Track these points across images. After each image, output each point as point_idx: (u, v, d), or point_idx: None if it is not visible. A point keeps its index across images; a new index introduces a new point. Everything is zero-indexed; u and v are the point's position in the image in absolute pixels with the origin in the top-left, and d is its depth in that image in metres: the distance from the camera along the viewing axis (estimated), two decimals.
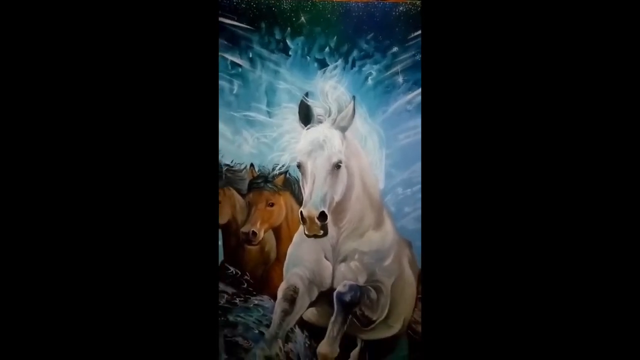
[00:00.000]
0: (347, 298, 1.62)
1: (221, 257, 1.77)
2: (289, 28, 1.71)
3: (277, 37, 1.71)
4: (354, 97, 1.64)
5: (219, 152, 1.72)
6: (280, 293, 1.66)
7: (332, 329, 1.62)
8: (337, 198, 1.59)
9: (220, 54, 1.68)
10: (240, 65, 1.71)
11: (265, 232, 1.75)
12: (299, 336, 1.72)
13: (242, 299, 1.75)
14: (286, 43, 1.72)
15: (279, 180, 1.76)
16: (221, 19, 1.68)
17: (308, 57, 1.72)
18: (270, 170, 1.75)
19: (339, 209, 1.62)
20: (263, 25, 1.70)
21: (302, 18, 1.71)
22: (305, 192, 1.56)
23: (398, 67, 1.70)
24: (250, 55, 1.71)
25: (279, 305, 1.64)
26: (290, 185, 1.77)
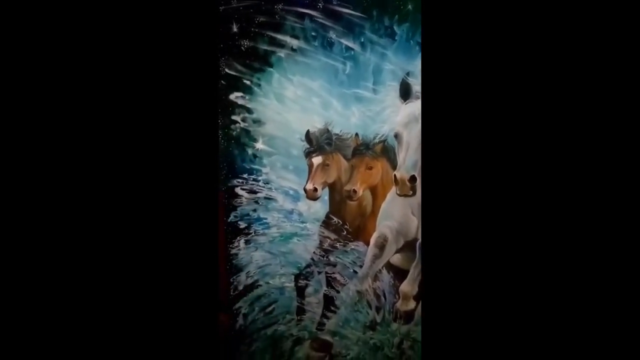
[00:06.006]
0: None
1: (328, 209, 2.10)
2: (396, 15, 1.92)
3: (386, 24, 1.93)
4: None
5: (331, 123, 2.00)
6: (372, 240, 1.98)
7: (414, 272, 1.91)
8: None
9: (337, 39, 1.95)
10: (352, 49, 1.96)
11: (363, 190, 2.04)
12: (386, 276, 2.01)
13: (342, 243, 2.08)
14: (393, 29, 1.93)
15: (378, 148, 2.02)
16: (338, 8, 1.93)
17: (411, 41, 1.92)
18: (372, 139, 2.01)
19: None
20: (374, 13, 1.92)
21: (409, 6, 1.91)
22: (400, 158, 1.80)
23: None
24: (362, 40, 1.95)
25: (370, 250, 1.97)
26: (387, 152, 2.01)
